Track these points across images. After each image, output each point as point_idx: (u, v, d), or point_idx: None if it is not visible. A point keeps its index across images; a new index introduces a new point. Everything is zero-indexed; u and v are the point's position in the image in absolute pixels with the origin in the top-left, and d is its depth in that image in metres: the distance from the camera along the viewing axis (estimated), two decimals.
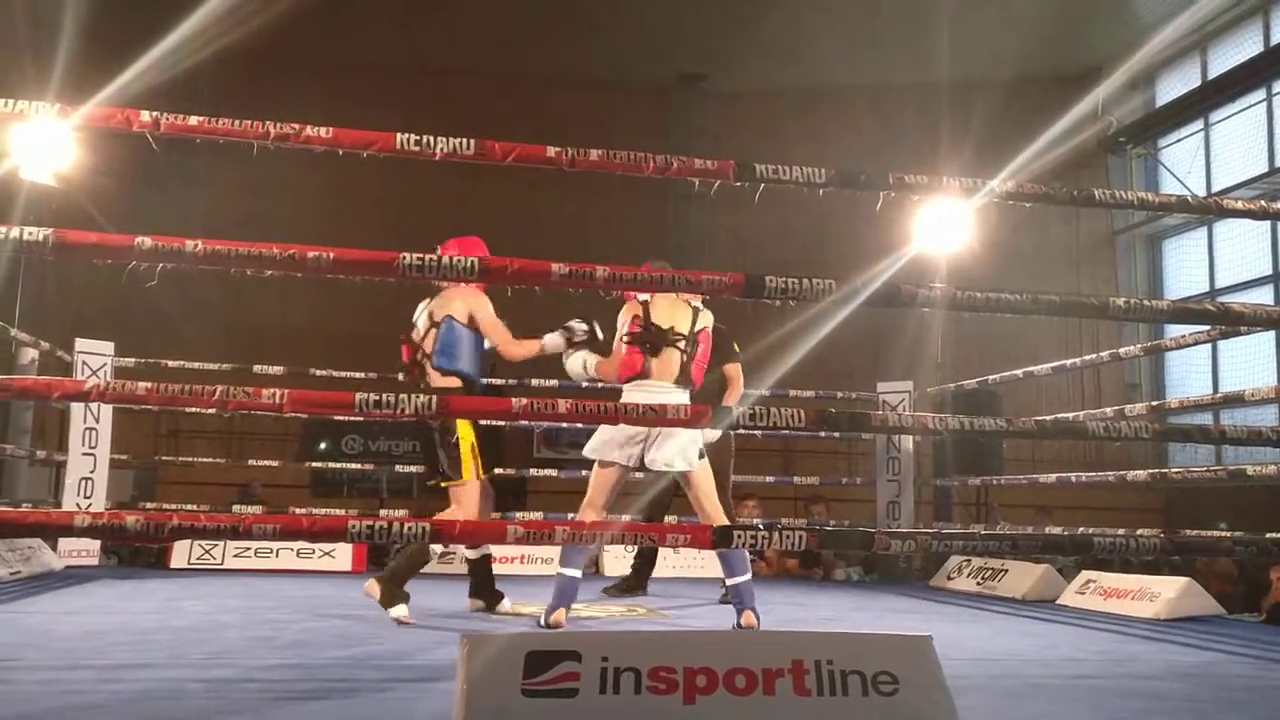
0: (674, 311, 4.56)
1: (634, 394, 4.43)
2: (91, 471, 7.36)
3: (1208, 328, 5.73)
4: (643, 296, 4.56)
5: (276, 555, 7.47)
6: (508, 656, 2.32)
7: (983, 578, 7.08)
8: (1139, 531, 5.86)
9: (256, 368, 7.72)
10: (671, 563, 8.11)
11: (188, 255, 3.10)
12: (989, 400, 8.57)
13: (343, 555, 7.64)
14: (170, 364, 7.79)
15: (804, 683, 2.37)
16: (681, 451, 4.43)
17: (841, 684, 2.38)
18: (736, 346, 5.96)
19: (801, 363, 9.01)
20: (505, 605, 5.08)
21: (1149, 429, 3.92)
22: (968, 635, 4.76)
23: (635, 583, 6.43)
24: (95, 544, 7.31)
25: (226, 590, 5.85)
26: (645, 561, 6.55)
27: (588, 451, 4.60)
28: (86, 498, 7.28)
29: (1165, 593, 5.67)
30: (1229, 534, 3.90)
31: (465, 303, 4.78)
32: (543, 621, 4.45)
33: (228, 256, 3.13)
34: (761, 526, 3.08)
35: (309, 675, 3.25)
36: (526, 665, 2.30)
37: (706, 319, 4.66)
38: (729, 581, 4.55)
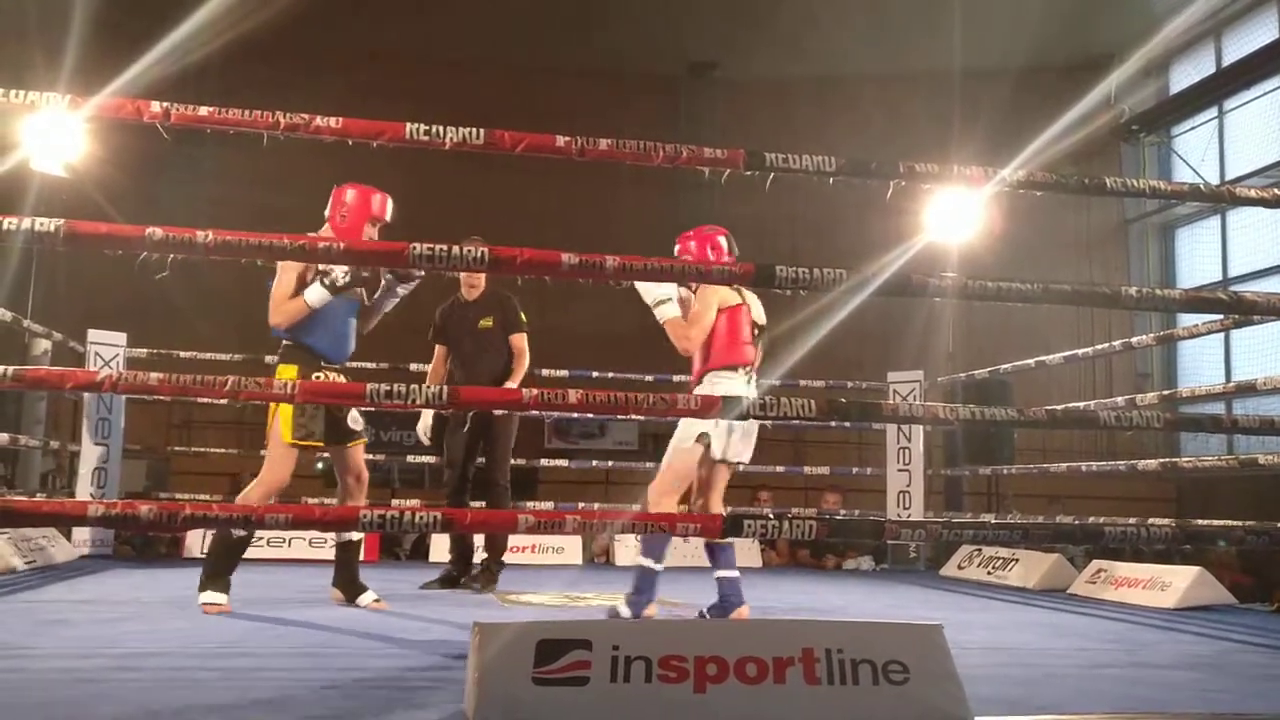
0: (756, 302, 4.59)
1: (738, 381, 4.42)
2: (104, 462, 7.40)
3: (1220, 317, 5.71)
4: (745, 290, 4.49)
5: (289, 545, 7.49)
6: (519, 645, 2.32)
7: (993, 567, 7.08)
8: (1150, 520, 5.85)
9: (268, 358, 7.69)
10: (682, 552, 8.11)
11: (199, 246, 3.11)
12: (1000, 390, 8.56)
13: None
14: (182, 355, 7.82)
15: (814, 671, 2.37)
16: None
17: (852, 673, 2.38)
18: (524, 316, 5.89)
19: (812, 352, 8.99)
20: (366, 599, 4.78)
21: (1161, 418, 3.90)
22: (978, 624, 4.76)
23: (458, 574, 6.01)
24: (109, 534, 7.35)
25: (239, 580, 5.86)
26: (461, 553, 6.13)
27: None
28: (100, 488, 7.32)
29: (1177, 582, 5.67)
30: (1240, 523, 3.89)
31: None
32: (631, 614, 4.27)
33: (239, 247, 3.14)
34: (772, 516, 3.08)
35: (322, 664, 3.26)
36: (538, 654, 2.31)
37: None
38: (719, 574, 4.41)
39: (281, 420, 4.48)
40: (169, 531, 7.16)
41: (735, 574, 4.45)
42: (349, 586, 4.86)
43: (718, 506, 4.57)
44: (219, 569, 4.52)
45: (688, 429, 4.36)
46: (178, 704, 2.58)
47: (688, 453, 4.37)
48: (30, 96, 3.12)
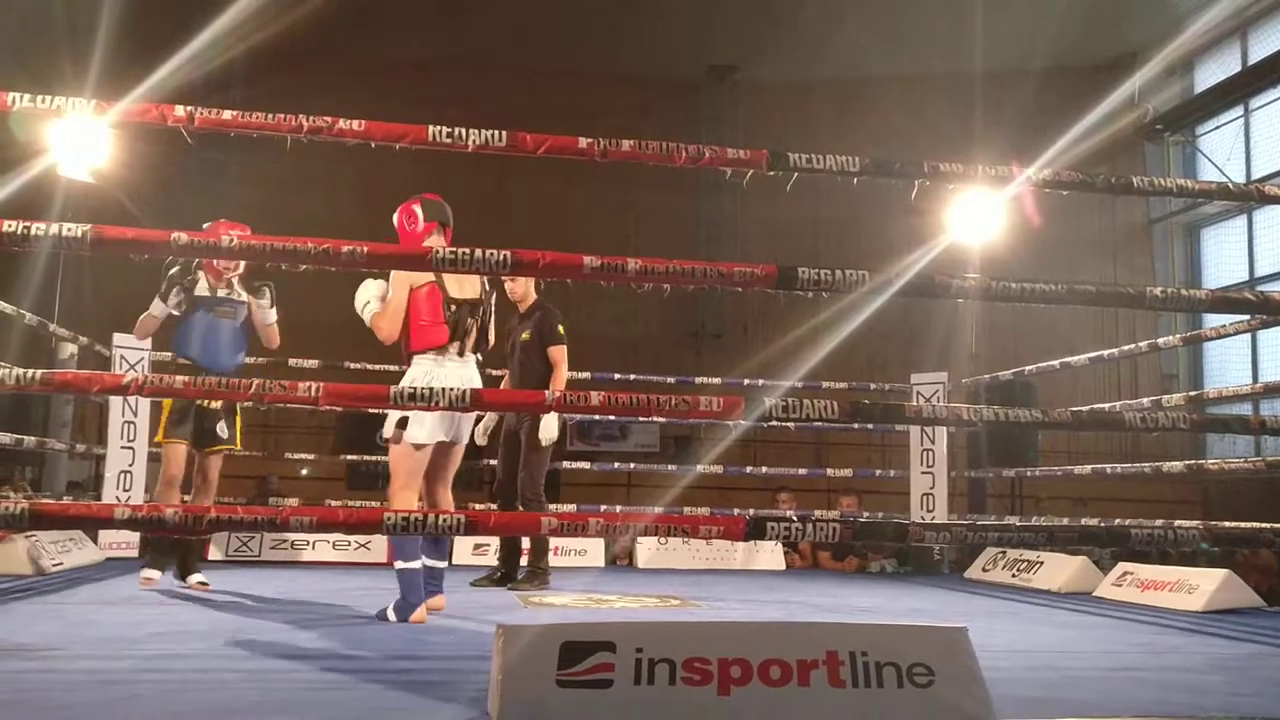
0: (464, 278, 4.42)
1: (430, 365, 4.34)
2: (130, 465, 7.44)
3: (1247, 317, 5.66)
4: None
5: (312, 547, 7.52)
6: (543, 647, 2.32)
7: (1018, 570, 7.03)
8: (1177, 522, 5.81)
9: (291, 361, 7.76)
10: (704, 555, 8.12)
11: (223, 250, 3.13)
12: (1024, 391, 8.51)
13: (378, 547, 7.68)
14: None
15: (839, 674, 2.36)
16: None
17: (877, 675, 2.37)
18: (562, 329, 5.93)
19: (834, 354, 8.97)
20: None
21: (1187, 419, 3.87)
22: (1003, 627, 4.73)
23: (508, 571, 6.19)
24: (135, 536, 7.39)
25: (263, 582, 5.90)
26: (511, 550, 6.30)
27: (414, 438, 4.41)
28: (125, 490, 7.37)
29: (1204, 585, 5.61)
30: (1269, 525, 3.86)
31: None
32: (393, 618, 4.27)
33: (262, 251, 3.16)
34: (795, 518, 3.07)
35: (345, 666, 3.27)
36: (561, 656, 2.31)
37: (488, 283, 4.56)
38: (397, 565, 4.30)
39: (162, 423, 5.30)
40: (194, 534, 7.18)
41: (416, 565, 4.35)
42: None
43: (443, 497, 4.55)
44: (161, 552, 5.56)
45: (388, 423, 4.39)
46: (203, 705, 2.59)
47: (398, 447, 4.39)
48: (57, 102, 3.15)
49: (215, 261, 5.29)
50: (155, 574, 5.49)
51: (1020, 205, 9.10)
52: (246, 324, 5.53)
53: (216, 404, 5.33)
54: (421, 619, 4.30)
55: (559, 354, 5.92)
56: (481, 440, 6.18)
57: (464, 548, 7.94)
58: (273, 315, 5.56)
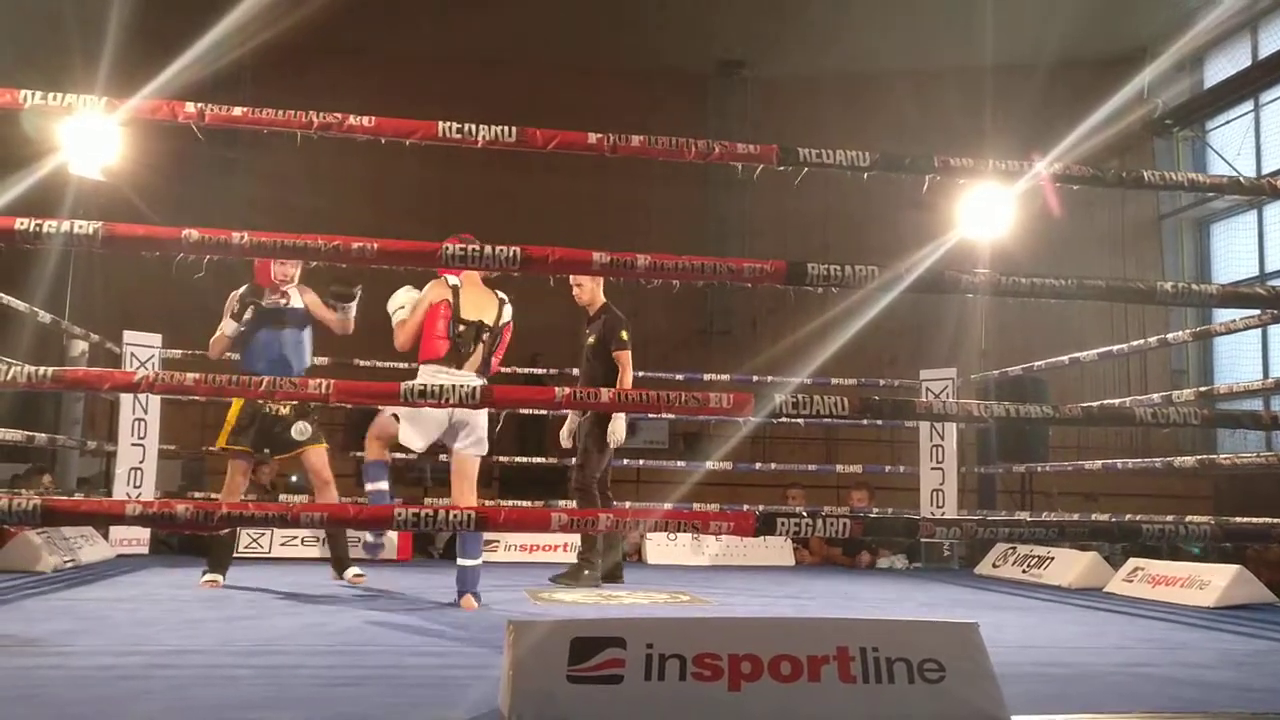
0: (483, 302, 4.77)
1: (428, 376, 4.69)
2: (140, 462, 7.47)
3: (1258, 312, 5.64)
4: (453, 279, 4.73)
5: (323, 544, 7.52)
6: (553, 643, 2.33)
7: (1028, 565, 7.02)
8: (1188, 518, 5.80)
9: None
10: (714, 550, 8.12)
11: (234, 247, 3.14)
12: (1034, 387, 8.49)
13: (388, 544, 7.69)
14: None
15: (849, 669, 2.36)
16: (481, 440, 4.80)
17: (887, 671, 2.37)
18: (625, 334, 6.02)
19: (844, 350, 8.96)
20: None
21: (1198, 414, 3.86)
22: (1013, 623, 4.72)
23: (616, 571, 6.27)
24: (145, 533, 7.42)
25: (274, 579, 5.92)
26: (590, 546, 6.24)
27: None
28: (136, 487, 7.39)
29: (1216, 580, 5.59)
30: None
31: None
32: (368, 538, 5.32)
33: (273, 248, 3.17)
34: (805, 514, 3.07)
35: (356, 662, 3.28)
36: (572, 651, 2.31)
37: (509, 313, 4.85)
38: (460, 562, 4.75)
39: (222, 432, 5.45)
40: (205, 530, 7.19)
41: (474, 563, 4.77)
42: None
43: (458, 495, 4.84)
44: (219, 558, 5.61)
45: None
46: (214, 701, 2.60)
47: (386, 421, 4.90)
48: (68, 100, 3.16)
49: (272, 275, 5.39)
50: (218, 578, 5.57)
51: (1042, 195, 9.09)
52: (307, 325, 5.56)
53: (286, 409, 5.43)
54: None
55: (624, 358, 6.03)
56: (566, 443, 6.42)
57: None
58: (352, 316, 5.61)
